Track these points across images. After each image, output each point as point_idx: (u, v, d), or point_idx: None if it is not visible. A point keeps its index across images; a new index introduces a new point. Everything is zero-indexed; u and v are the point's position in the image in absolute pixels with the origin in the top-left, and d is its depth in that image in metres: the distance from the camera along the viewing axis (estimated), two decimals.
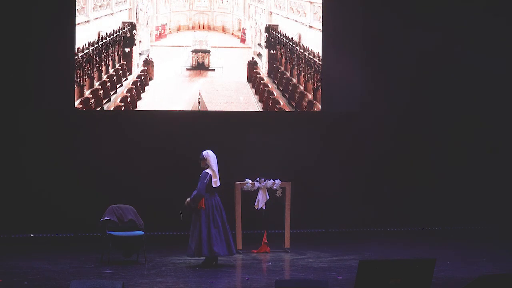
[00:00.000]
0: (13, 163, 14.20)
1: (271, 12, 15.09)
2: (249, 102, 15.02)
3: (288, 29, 15.15)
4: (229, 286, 10.70)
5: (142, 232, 12.08)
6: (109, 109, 14.50)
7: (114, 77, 14.58)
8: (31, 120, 14.21)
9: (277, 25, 15.14)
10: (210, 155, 12.00)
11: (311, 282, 8.36)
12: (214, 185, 11.91)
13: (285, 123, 15.16)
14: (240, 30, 15.09)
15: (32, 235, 14.36)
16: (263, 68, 15.11)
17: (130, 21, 14.63)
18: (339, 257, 12.87)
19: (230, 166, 14.30)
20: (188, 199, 11.88)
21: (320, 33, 15.09)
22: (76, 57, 14.18)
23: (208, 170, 11.92)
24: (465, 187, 15.66)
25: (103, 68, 14.51)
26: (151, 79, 14.71)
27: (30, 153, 14.21)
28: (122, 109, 14.56)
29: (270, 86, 15.10)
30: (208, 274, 11.31)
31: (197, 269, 11.71)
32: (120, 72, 14.63)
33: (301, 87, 15.21)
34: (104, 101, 14.45)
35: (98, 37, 14.38)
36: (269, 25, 15.08)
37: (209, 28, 14.99)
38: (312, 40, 15.13)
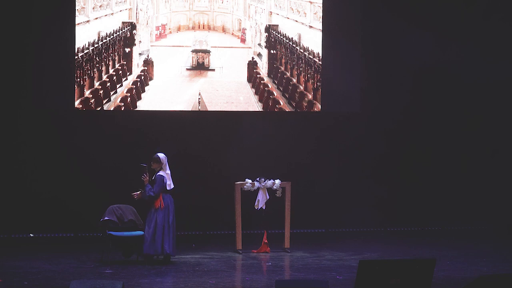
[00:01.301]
0: (13, 163, 14.20)
1: (271, 12, 15.09)
2: (249, 102, 15.02)
3: (288, 29, 15.15)
4: (229, 286, 10.70)
5: (142, 232, 12.08)
6: (109, 109, 14.50)
7: (114, 77, 14.58)
8: (31, 120, 14.21)
9: (277, 25, 15.14)
10: (166, 158, 12.18)
11: (311, 282, 8.36)
12: (168, 188, 12.09)
13: (285, 123, 15.16)
14: (240, 30, 15.09)
15: (32, 235, 14.36)
16: (263, 68, 15.11)
17: (130, 21, 14.63)
18: (339, 257, 12.87)
19: (230, 166, 14.34)
20: (146, 191, 11.98)
21: (320, 33, 15.09)
22: (76, 57, 14.18)
23: (162, 173, 12.06)
24: (465, 187, 15.66)
25: (103, 68, 14.51)
26: (151, 79, 14.71)
27: (30, 153, 14.21)
28: (122, 109, 14.56)
29: (270, 86, 15.10)
30: (208, 274, 11.32)
31: (197, 269, 11.71)
32: (120, 72, 14.63)
33: (301, 87, 15.21)
34: (104, 101, 14.45)
35: (98, 37, 14.38)
36: (269, 25, 15.08)
37: (209, 28, 15.00)
38: (312, 40, 15.13)
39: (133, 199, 12.16)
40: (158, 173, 12.07)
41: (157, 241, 11.93)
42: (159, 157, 12.12)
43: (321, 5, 15.06)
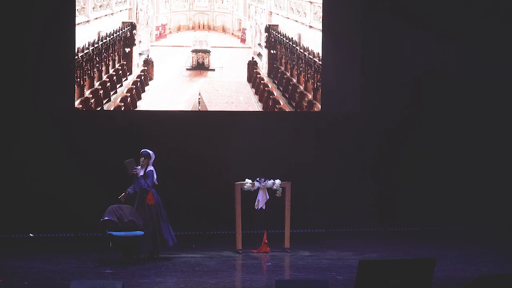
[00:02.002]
0: (13, 163, 14.20)
1: (271, 12, 15.09)
2: (249, 102, 15.02)
3: (288, 29, 15.15)
4: (229, 286, 10.70)
5: (142, 232, 12.09)
6: (109, 109, 14.50)
7: (114, 77, 14.58)
8: (31, 120, 14.21)
9: (277, 25, 15.14)
10: (153, 155, 12.51)
11: (311, 282, 8.36)
12: (156, 182, 12.43)
13: (285, 123, 15.16)
14: (240, 30, 15.09)
15: (32, 235, 14.36)
16: (263, 68, 15.11)
17: (130, 21, 14.63)
18: (339, 257, 12.87)
19: (230, 166, 14.34)
20: (142, 184, 12.20)
21: (320, 33, 15.09)
22: (76, 57, 14.18)
23: (151, 168, 12.33)
24: (465, 187, 15.66)
25: (103, 68, 14.52)
26: (151, 79, 14.71)
27: (30, 153, 14.21)
28: (122, 109, 14.56)
29: (270, 86, 15.10)
30: (208, 274, 11.32)
31: (197, 269, 11.71)
32: (120, 72, 14.63)
33: (301, 87, 15.21)
34: (104, 101, 14.45)
35: (98, 37, 14.38)
36: (269, 25, 15.08)
37: (209, 28, 15.00)
38: (312, 40, 15.13)
39: (121, 200, 12.33)
40: (149, 169, 12.29)
41: (162, 236, 12.21)
42: (149, 153, 12.40)
43: (321, 5, 15.06)
